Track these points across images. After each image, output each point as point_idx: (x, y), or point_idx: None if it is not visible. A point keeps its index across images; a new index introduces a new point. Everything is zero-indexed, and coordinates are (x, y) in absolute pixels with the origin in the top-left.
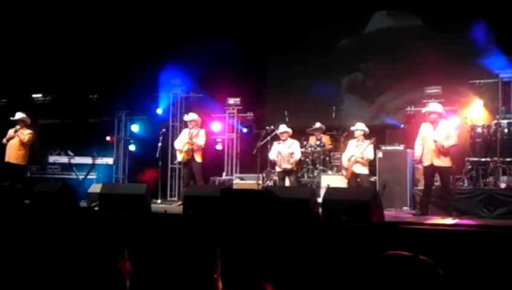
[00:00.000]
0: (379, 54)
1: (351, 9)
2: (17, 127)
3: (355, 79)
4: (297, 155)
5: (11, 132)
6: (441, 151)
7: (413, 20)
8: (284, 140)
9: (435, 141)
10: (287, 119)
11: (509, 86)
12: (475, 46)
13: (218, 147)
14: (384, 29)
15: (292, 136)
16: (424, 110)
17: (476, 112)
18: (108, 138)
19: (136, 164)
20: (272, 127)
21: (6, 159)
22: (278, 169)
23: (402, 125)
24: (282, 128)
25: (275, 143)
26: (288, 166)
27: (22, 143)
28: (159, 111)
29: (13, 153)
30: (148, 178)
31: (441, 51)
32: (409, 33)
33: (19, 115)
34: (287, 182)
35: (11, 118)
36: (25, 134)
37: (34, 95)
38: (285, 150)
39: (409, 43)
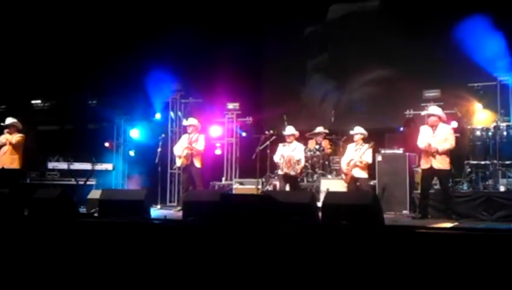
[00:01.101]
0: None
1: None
2: (6, 131)
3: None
4: (303, 161)
5: (1, 138)
6: (440, 154)
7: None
8: (289, 142)
9: (429, 145)
10: (286, 123)
11: (507, 89)
12: (474, 48)
13: (218, 151)
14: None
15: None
16: (423, 113)
17: (478, 115)
18: (107, 144)
19: (136, 169)
20: (272, 131)
21: (1, 166)
22: (280, 172)
23: (401, 129)
24: (289, 130)
25: (280, 145)
26: (292, 172)
27: (13, 147)
28: (158, 116)
29: (7, 158)
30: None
31: (439, 54)
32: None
33: (9, 120)
34: (288, 187)
35: (1, 124)
36: (15, 137)
37: (33, 101)
38: (288, 153)
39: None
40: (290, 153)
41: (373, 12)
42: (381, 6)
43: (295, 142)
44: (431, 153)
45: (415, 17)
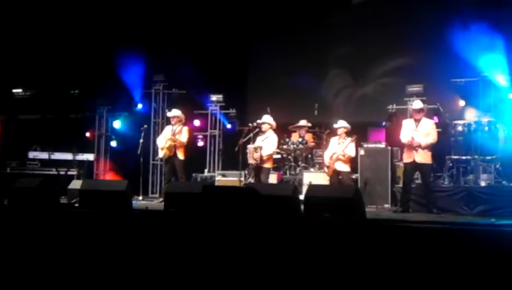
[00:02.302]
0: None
1: None
2: None
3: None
4: (266, 151)
5: None
6: (423, 149)
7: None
8: (263, 132)
9: (412, 139)
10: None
11: (489, 85)
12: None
13: (200, 143)
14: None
15: (275, 132)
16: (410, 107)
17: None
18: (88, 134)
19: (118, 160)
20: (255, 124)
21: None
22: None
23: (384, 123)
24: (264, 118)
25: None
26: (252, 162)
27: None
28: (140, 106)
29: None
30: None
31: (423, 48)
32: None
33: None
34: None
35: None
36: None
37: (14, 90)
38: (258, 143)
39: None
40: (259, 143)
41: (356, 7)
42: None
43: (269, 132)
44: (414, 147)
45: (398, 12)
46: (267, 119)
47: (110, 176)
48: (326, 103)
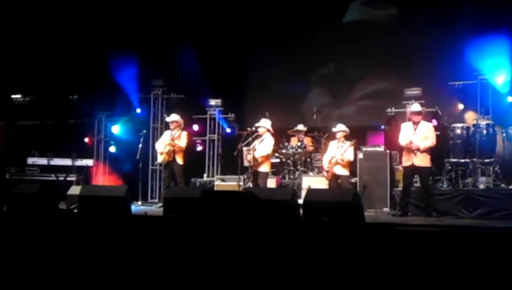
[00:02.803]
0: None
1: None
2: None
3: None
4: (259, 152)
5: None
6: (421, 152)
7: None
8: (260, 135)
9: (411, 142)
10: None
11: (487, 88)
12: (455, 47)
13: (199, 148)
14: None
15: (273, 137)
16: (408, 110)
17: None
18: (86, 140)
19: (117, 165)
20: (253, 128)
21: None
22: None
23: (383, 127)
24: (260, 122)
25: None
26: (247, 163)
27: None
28: (138, 110)
29: None
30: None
31: (420, 52)
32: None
33: None
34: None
35: None
36: None
37: (13, 96)
38: (253, 145)
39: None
40: (255, 146)
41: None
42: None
43: (266, 135)
44: (412, 150)
45: (397, 17)
46: (264, 123)
47: (109, 180)
48: (324, 107)
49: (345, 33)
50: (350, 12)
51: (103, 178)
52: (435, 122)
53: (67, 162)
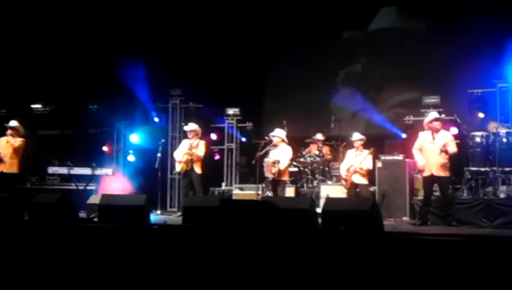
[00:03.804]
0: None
1: (356, 5)
2: (9, 133)
3: (353, 71)
4: (282, 165)
5: (2, 141)
6: (440, 161)
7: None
8: (275, 145)
9: (423, 169)
10: (285, 128)
11: (507, 96)
12: (473, 55)
13: (217, 157)
14: (387, 29)
15: (291, 145)
16: (426, 119)
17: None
18: (105, 148)
19: (136, 174)
20: (270, 134)
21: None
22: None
23: (404, 135)
24: (275, 132)
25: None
26: (270, 176)
27: (14, 151)
28: (156, 119)
29: (6, 162)
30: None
31: (439, 60)
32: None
33: (14, 123)
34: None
35: (5, 124)
36: (17, 141)
37: (33, 106)
38: (272, 156)
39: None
40: (274, 157)
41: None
42: None
43: (281, 145)
44: (436, 159)
45: (415, 25)
46: (278, 132)
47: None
48: (342, 116)
49: (368, 40)
50: (381, 18)
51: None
52: (455, 130)
53: (87, 171)
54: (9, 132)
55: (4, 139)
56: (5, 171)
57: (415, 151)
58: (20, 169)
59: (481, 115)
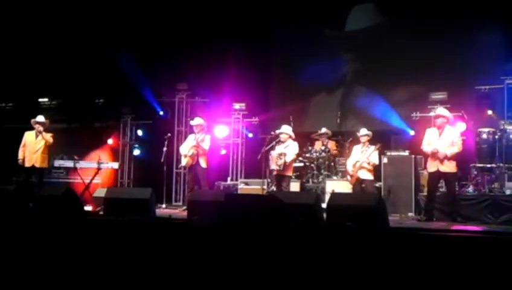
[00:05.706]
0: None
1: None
2: (40, 129)
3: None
4: (288, 157)
5: (30, 136)
6: (448, 159)
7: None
8: (282, 141)
9: (437, 151)
10: (291, 124)
11: None
12: (481, 51)
13: (223, 151)
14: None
15: (297, 141)
16: (432, 114)
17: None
18: (110, 141)
19: (141, 168)
20: (277, 132)
21: (31, 163)
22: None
23: (412, 133)
24: (282, 128)
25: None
26: (275, 167)
27: (46, 146)
28: (161, 113)
29: (39, 157)
30: None
31: (446, 56)
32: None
33: (42, 118)
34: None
35: (33, 120)
36: (47, 136)
37: (40, 99)
38: (279, 150)
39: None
40: (281, 150)
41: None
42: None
43: (289, 141)
44: (439, 158)
45: (423, 20)
46: (285, 129)
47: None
48: (348, 112)
49: (372, 35)
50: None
51: (128, 181)
52: (461, 126)
53: (93, 164)
54: (38, 127)
55: (31, 134)
56: (37, 166)
57: (423, 147)
58: (49, 164)
59: (489, 111)
